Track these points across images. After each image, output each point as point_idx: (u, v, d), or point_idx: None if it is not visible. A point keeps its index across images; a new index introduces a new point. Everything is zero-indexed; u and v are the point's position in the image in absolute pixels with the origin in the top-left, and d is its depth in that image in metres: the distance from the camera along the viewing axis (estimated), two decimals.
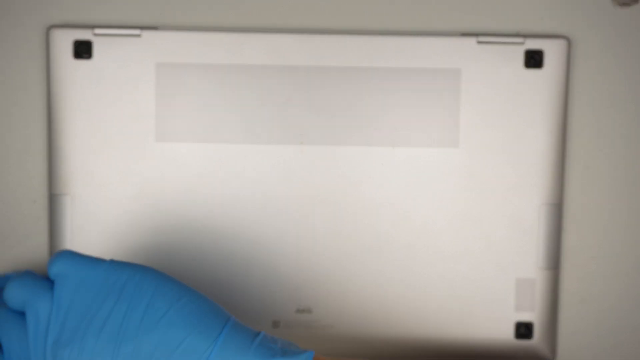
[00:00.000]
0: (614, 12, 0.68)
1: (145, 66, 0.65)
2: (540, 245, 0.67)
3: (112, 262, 0.53)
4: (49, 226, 0.67)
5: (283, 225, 0.66)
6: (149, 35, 0.65)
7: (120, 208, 0.66)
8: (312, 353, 0.52)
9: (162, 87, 0.65)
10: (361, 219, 0.66)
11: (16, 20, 0.66)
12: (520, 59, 0.66)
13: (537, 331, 0.67)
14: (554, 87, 0.66)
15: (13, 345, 0.51)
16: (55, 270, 0.53)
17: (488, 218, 0.67)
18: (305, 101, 0.66)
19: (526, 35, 0.66)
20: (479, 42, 0.66)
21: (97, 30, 0.65)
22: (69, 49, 0.65)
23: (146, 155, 0.66)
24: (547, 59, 0.66)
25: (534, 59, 0.66)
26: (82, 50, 0.65)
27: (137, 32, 0.65)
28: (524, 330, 0.67)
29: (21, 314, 0.53)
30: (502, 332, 0.67)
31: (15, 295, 0.52)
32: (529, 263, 0.67)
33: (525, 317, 0.67)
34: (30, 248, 0.68)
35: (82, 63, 0.65)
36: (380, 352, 0.67)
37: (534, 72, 0.66)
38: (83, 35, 0.65)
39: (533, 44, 0.66)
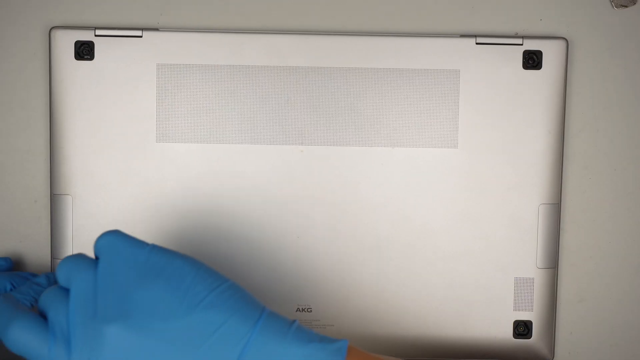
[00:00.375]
0: (612, 14, 0.68)
1: (146, 67, 0.65)
2: (538, 245, 0.67)
3: (154, 246, 0.54)
4: (50, 226, 0.67)
5: (283, 225, 0.66)
6: (150, 36, 0.65)
7: (121, 208, 0.66)
8: (346, 342, 0.53)
9: (163, 88, 0.66)
10: (361, 219, 0.66)
11: (18, 21, 0.67)
12: (519, 59, 0.66)
13: (535, 330, 0.68)
14: (552, 88, 0.66)
15: (58, 319, 0.52)
16: (99, 248, 0.54)
17: (487, 218, 0.67)
18: (305, 101, 0.66)
19: (525, 36, 0.66)
20: (478, 43, 0.66)
21: (99, 31, 0.65)
22: (70, 50, 0.65)
23: (147, 156, 0.66)
24: (546, 60, 0.66)
25: (532, 60, 0.66)
26: (84, 51, 0.65)
27: (138, 33, 0.65)
28: (522, 329, 0.68)
29: (68, 291, 0.53)
30: (500, 331, 0.68)
31: (62, 273, 0.53)
32: (528, 263, 0.67)
33: (523, 316, 0.67)
34: (31, 248, 0.68)
35: (84, 64, 0.65)
36: (379, 351, 0.67)
37: (532, 73, 0.66)
38: (84, 36, 0.65)
39: (532, 45, 0.66)
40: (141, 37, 0.65)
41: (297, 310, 0.67)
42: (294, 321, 0.53)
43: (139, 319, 0.51)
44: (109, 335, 0.51)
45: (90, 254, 0.65)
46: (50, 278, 0.63)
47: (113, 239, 0.54)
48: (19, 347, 0.52)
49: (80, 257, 0.54)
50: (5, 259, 0.66)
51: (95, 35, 0.65)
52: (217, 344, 0.51)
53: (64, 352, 0.51)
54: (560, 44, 0.66)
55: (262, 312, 0.53)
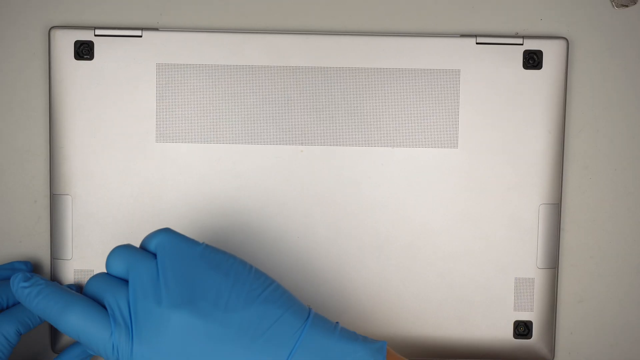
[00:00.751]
0: (612, 13, 0.68)
1: (145, 67, 0.65)
2: (539, 245, 0.67)
3: (207, 245, 0.57)
4: (50, 226, 0.67)
5: (283, 225, 0.66)
6: (150, 36, 0.65)
7: (121, 208, 0.66)
8: (385, 343, 0.57)
9: (163, 88, 0.66)
10: (361, 218, 0.66)
11: (18, 21, 0.67)
12: (519, 59, 0.66)
13: (535, 330, 0.68)
14: (552, 88, 0.66)
15: (118, 305, 0.55)
16: (157, 242, 0.56)
17: (487, 218, 0.67)
18: (305, 101, 0.66)
19: (525, 36, 0.66)
20: (478, 43, 0.66)
21: (98, 31, 0.65)
22: (70, 50, 0.65)
23: (146, 156, 0.66)
24: (546, 60, 0.66)
25: (533, 60, 0.66)
26: (83, 50, 0.65)
27: (138, 32, 0.65)
28: (522, 329, 0.68)
29: (122, 280, 0.56)
30: (501, 332, 0.68)
31: (118, 261, 0.56)
32: (528, 263, 0.67)
33: (524, 316, 0.67)
34: (31, 248, 0.68)
35: (83, 63, 0.65)
36: None
37: (533, 73, 0.66)
38: (84, 35, 0.65)
39: (532, 45, 0.66)
40: (141, 37, 0.65)
41: None
42: (337, 322, 0.57)
43: (205, 306, 0.54)
44: (175, 321, 0.54)
45: (92, 253, 0.66)
46: (73, 289, 0.65)
47: (169, 236, 0.57)
48: (78, 332, 0.55)
49: (135, 248, 0.57)
50: (26, 262, 0.66)
51: (95, 35, 0.65)
52: (274, 336, 0.54)
53: (125, 336, 0.54)
54: (561, 43, 0.66)
55: (309, 310, 0.56)
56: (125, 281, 0.56)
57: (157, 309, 0.54)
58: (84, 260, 0.66)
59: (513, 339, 0.68)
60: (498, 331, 0.67)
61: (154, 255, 0.56)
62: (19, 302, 0.62)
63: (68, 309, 0.55)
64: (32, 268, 0.66)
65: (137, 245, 0.59)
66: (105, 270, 0.58)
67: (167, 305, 0.54)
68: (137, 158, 0.66)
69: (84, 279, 0.66)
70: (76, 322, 0.55)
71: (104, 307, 0.55)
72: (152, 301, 0.54)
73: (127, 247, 0.57)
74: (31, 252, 0.68)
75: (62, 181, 0.66)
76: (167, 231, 0.57)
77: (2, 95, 0.67)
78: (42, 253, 0.68)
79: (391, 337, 0.67)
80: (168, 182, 0.66)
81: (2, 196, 0.67)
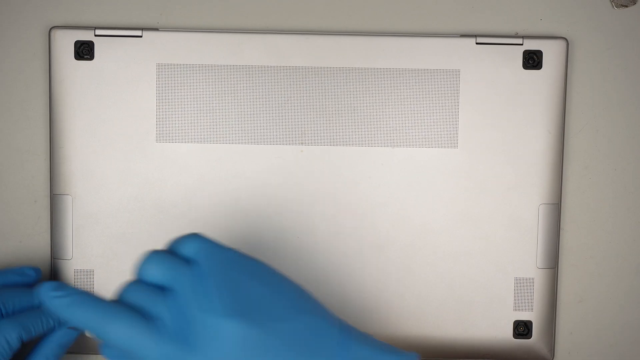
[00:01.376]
0: (612, 14, 0.68)
1: (146, 67, 0.65)
2: (538, 244, 0.67)
3: (236, 250, 0.55)
4: (50, 226, 0.67)
5: (283, 225, 0.66)
6: (150, 36, 0.65)
7: (121, 208, 0.66)
8: (417, 355, 0.55)
9: (163, 88, 0.66)
10: (361, 218, 0.66)
11: (18, 21, 0.67)
12: (519, 59, 0.66)
13: (535, 330, 0.68)
14: (552, 88, 0.66)
15: (167, 315, 0.53)
16: (195, 249, 0.55)
17: (487, 218, 0.67)
18: (305, 101, 0.66)
19: (525, 36, 0.66)
20: (478, 43, 0.66)
21: (99, 31, 0.65)
22: (70, 50, 0.65)
23: (146, 156, 0.66)
24: (546, 60, 0.66)
25: (532, 60, 0.66)
26: (84, 51, 0.65)
27: (138, 32, 0.65)
28: (522, 329, 0.68)
29: (159, 287, 0.54)
30: (500, 331, 0.68)
31: (155, 268, 0.54)
32: (528, 263, 0.67)
33: (523, 316, 0.67)
34: (31, 248, 0.68)
35: (83, 64, 0.65)
36: None
37: (532, 73, 0.66)
38: (84, 36, 0.65)
39: (532, 45, 0.66)
40: (141, 37, 0.65)
41: None
42: (368, 334, 0.56)
43: (257, 316, 0.53)
44: (230, 330, 0.52)
45: (92, 253, 0.66)
46: None
47: (207, 242, 0.55)
48: (125, 342, 0.53)
49: (170, 254, 0.55)
50: (36, 269, 0.65)
51: (95, 35, 0.65)
52: (319, 348, 0.53)
53: (176, 346, 0.52)
54: (560, 44, 0.66)
55: (339, 319, 0.55)
56: (162, 289, 0.54)
57: (210, 318, 0.52)
58: (84, 260, 0.66)
59: (513, 338, 0.68)
60: (498, 331, 0.67)
61: (188, 261, 0.54)
62: (20, 311, 0.62)
63: (112, 319, 0.53)
64: (41, 274, 0.66)
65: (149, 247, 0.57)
66: (135, 277, 0.56)
67: (221, 315, 0.52)
68: (137, 158, 0.66)
69: (84, 279, 0.66)
70: (122, 332, 0.53)
71: (145, 315, 0.54)
72: (204, 310, 0.52)
73: (163, 254, 0.55)
74: (31, 252, 0.68)
75: (62, 181, 0.66)
76: (202, 237, 0.55)
77: (2, 95, 0.67)
78: (42, 253, 0.68)
79: (391, 337, 0.67)
80: (168, 182, 0.66)
81: (2, 196, 0.67)
